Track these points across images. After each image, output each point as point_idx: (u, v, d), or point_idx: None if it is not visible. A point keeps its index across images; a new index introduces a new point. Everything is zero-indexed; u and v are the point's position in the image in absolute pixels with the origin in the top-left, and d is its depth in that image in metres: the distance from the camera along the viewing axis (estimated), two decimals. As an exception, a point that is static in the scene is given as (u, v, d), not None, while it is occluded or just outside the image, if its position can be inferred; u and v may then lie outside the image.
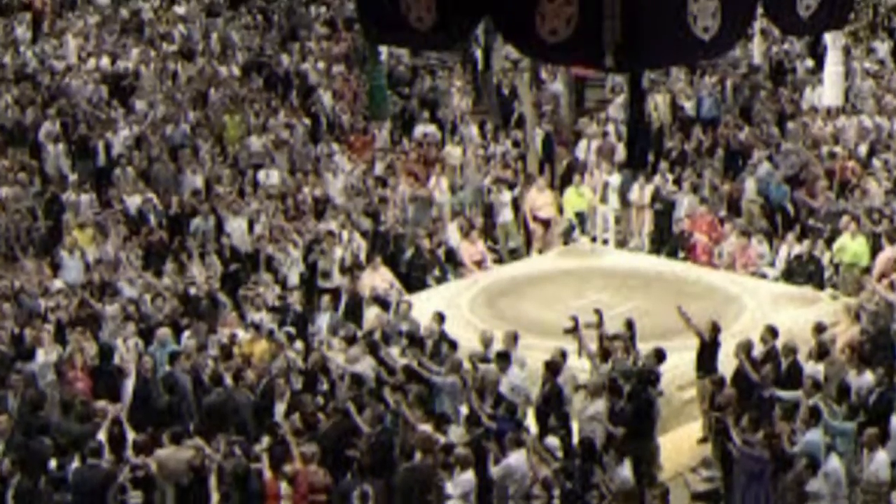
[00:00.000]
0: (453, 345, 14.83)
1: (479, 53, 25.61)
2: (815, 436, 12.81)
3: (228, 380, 14.24)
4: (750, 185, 20.29)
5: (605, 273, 18.12)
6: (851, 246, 17.92)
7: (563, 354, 14.24)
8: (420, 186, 20.76)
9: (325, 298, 16.92)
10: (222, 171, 21.13)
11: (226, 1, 29.83)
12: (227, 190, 20.14)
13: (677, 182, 20.51)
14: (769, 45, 25.45)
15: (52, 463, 12.73)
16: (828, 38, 12.11)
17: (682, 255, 19.19)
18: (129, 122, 22.54)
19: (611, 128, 22.67)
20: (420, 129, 23.28)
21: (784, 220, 19.80)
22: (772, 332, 14.76)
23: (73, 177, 20.59)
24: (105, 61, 25.50)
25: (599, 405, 13.49)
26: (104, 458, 12.56)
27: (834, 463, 12.43)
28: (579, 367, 14.48)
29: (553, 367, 13.98)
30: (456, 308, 16.74)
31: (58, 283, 17.17)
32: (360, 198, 20.40)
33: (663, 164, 20.94)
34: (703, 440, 14.59)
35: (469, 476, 12.25)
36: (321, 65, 25.93)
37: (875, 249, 17.95)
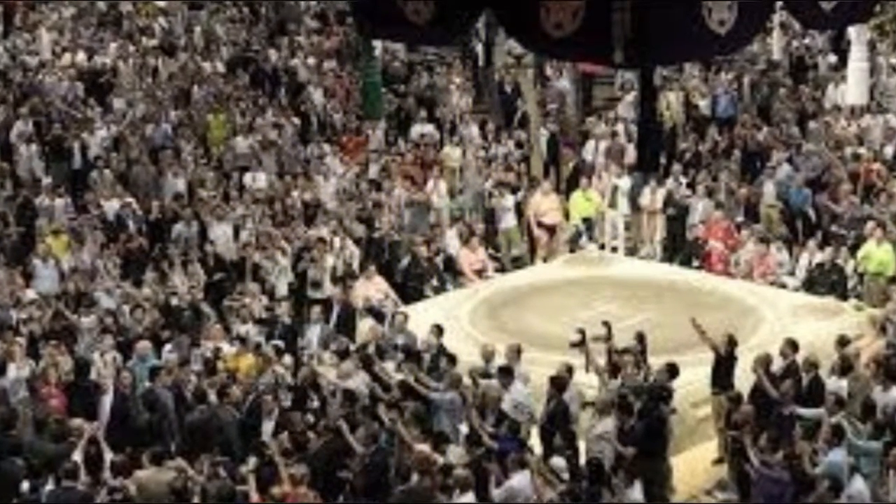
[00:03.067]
0: (452, 359, 14.83)
1: (479, 48, 25.70)
2: (838, 456, 12.80)
3: (213, 396, 14.22)
4: (769, 189, 20.33)
5: (615, 283, 18.15)
6: (877, 254, 17.96)
7: (570, 369, 14.23)
8: (417, 190, 20.79)
9: (316, 310, 16.93)
10: (206, 173, 21.16)
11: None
12: (211, 194, 20.15)
13: (691, 186, 20.56)
14: (789, 40, 25.49)
15: (25, 485, 12.71)
16: (852, 32, 12.09)
17: (696, 263, 19.22)
18: (106, 122, 22.57)
19: (620, 128, 22.71)
20: (417, 130, 23.30)
21: (805, 226, 19.82)
22: (792, 345, 14.75)
23: (46, 180, 20.57)
24: (81, 57, 25.53)
25: (608, 423, 13.49)
26: (80, 479, 12.54)
27: (858, 485, 12.42)
28: (587, 383, 14.49)
29: (559, 383, 13.98)
30: (455, 320, 16.77)
31: (31, 294, 17.17)
32: (353, 202, 20.42)
33: (676, 167, 20.97)
34: (719, 461, 14.59)
35: (469, 499, 12.24)
36: (311, 61, 25.98)
37: (902, 257, 18.00)
